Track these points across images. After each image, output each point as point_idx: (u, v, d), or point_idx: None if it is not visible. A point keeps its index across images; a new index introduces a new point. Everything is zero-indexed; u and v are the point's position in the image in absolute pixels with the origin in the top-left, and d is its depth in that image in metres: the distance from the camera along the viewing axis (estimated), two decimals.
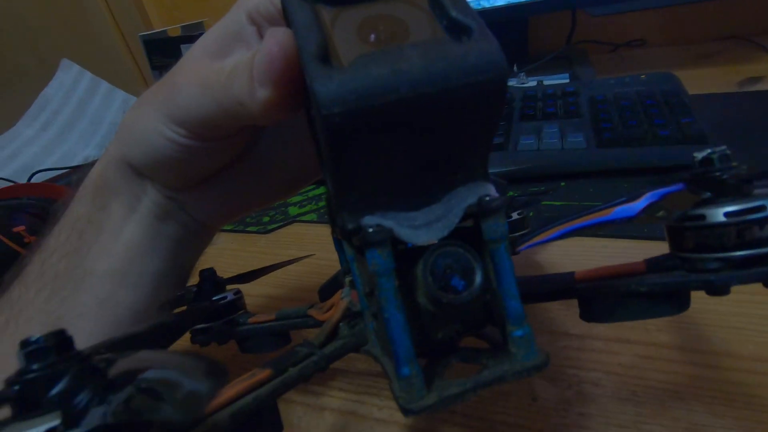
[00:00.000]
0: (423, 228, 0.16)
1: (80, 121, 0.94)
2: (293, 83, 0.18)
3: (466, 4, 0.15)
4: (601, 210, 0.19)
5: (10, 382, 0.11)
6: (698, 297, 0.18)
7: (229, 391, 0.16)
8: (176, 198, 0.25)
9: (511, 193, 0.44)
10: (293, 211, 0.54)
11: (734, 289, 0.16)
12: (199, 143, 0.22)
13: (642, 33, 0.88)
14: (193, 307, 0.28)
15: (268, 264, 0.32)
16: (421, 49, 0.14)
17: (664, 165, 0.44)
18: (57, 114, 0.93)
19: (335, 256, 0.24)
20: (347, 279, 0.23)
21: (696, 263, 0.17)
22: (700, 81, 0.63)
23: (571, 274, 0.20)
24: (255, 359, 0.30)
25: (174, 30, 0.82)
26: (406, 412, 0.15)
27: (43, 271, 0.25)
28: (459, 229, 0.16)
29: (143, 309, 0.25)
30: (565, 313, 0.31)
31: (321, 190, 0.57)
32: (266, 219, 0.54)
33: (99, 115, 0.95)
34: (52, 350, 0.12)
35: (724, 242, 0.16)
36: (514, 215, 0.30)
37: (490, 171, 0.17)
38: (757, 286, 0.16)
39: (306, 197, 0.57)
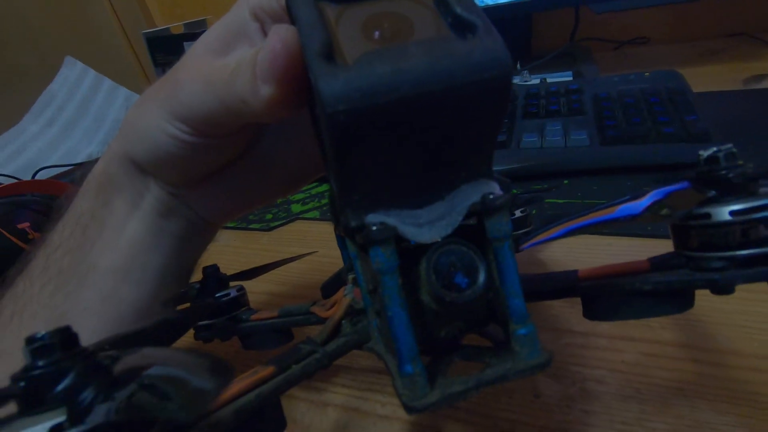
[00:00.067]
0: (426, 226, 0.16)
1: (84, 118, 0.94)
2: (296, 81, 0.18)
3: (471, 2, 0.14)
4: (604, 208, 0.19)
5: (15, 379, 0.11)
6: (703, 295, 0.18)
7: (232, 388, 0.16)
8: (179, 195, 0.26)
9: (514, 191, 0.44)
10: (296, 208, 0.54)
11: (739, 287, 0.16)
12: (201, 140, 0.22)
13: (646, 30, 0.87)
14: (197, 304, 0.28)
15: (270, 261, 0.32)
16: (425, 46, 0.13)
17: (667, 163, 0.44)
18: (61, 110, 0.93)
19: (338, 253, 0.24)
20: (350, 276, 0.23)
21: (701, 262, 0.17)
22: (705, 78, 0.63)
23: (575, 272, 0.20)
24: (258, 356, 0.30)
25: (177, 27, 0.83)
26: (409, 409, 0.15)
27: (48, 266, 0.25)
28: (463, 227, 0.16)
29: (146, 305, 0.25)
30: (569, 310, 0.31)
31: (324, 187, 0.57)
32: (269, 216, 0.54)
33: (102, 112, 0.95)
34: (57, 347, 0.12)
35: (729, 241, 0.16)
36: (517, 213, 0.30)
37: (493, 169, 0.17)
38: (762, 285, 0.16)
39: (309, 194, 0.57)
